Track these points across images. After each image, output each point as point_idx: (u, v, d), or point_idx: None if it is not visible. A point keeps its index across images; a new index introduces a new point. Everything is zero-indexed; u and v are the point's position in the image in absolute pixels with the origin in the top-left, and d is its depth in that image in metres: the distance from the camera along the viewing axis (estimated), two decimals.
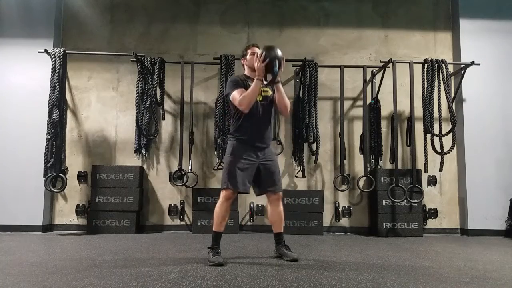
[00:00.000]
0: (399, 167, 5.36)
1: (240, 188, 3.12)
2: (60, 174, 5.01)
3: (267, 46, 3.11)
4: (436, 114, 5.28)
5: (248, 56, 3.29)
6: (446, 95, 5.22)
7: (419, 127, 5.37)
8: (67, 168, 5.40)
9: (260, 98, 3.21)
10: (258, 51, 3.24)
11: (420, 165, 5.32)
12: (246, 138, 3.17)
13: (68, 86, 5.50)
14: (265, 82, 3.18)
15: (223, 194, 3.13)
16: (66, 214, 5.40)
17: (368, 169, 5.42)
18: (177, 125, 5.52)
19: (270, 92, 3.26)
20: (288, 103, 3.26)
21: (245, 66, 3.35)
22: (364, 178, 5.32)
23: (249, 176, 3.15)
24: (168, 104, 5.62)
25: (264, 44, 3.16)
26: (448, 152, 5.22)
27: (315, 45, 5.81)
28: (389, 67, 5.38)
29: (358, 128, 5.64)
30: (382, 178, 5.29)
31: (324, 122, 5.66)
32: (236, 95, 3.11)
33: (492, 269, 2.97)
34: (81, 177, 5.43)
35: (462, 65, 5.45)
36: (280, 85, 3.19)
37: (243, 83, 3.20)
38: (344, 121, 5.44)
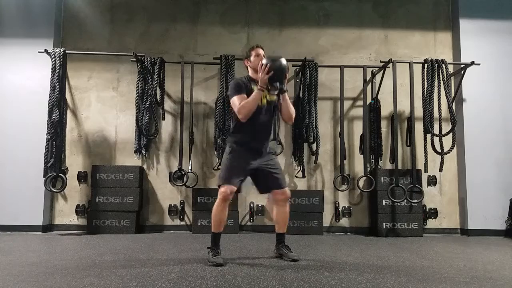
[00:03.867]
0: (399, 167, 5.36)
1: (235, 184, 3.08)
2: (60, 174, 5.00)
3: (272, 58, 3.06)
4: (436, 114, 5.28)
5: (252, 58, 3.25)
6: (446, 95, 5.22)
7: (419, 127, 5.36)
8: (67, 168, 5.40)
9: (265, 102, 3.17)
10: (262, 52, 3.22)
11: (420, 165, 5.32)
12: (246, 140, 3.15)
13: (68, 86, 5.50)
14: (268, 95, 3.14)
15: (220, 193, 3.10)
16: (66, 214, 5.40)
17: (368, 169, 5.41)
18: (177, 125, 5.52)
19: (274, 96, 3.21)
20: (293, 112, 3.23)
21: (248, 68, 3.31)
22: (364, 178, 5.32)
23: (245, 175, 3.15)
24: (168, 104, 5.61)
25: (268, 55, 3.12)
26: (448, 152, 5.22)
27: (315, 45, 5.80)
28: (389, 67, 5.38)
29: (358, 128, 5.64)
30: (382, 178, 5.29)
31: (324, 122, 5.65)
32: (236, 102, 3.08)
33: (492, 269, 2.97)
34: (81, 177, 5.43)
35: (462, 65, 5.45)
36: (286, 95, 3.15)
37: (246, 86, 3.17)
38: (344, 121, 5.44)
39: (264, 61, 3.07)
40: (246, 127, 3.13)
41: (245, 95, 3.11)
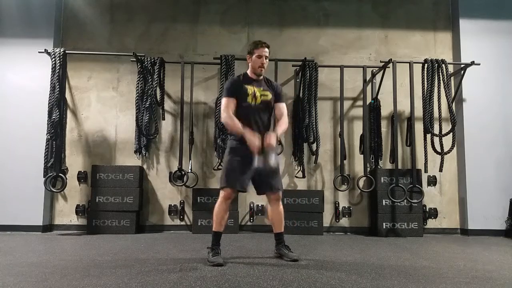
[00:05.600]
0: (399, 167, 5.36)
1: (237, 187, 3.11)
2: (60, 174, 5.01)
3: (266, 151, 2.98)
4: (436, 114, 5.28)
5: (254, 57, 3.21)
6: (446, 95, 5.22)
7: (419, 127, 5.36)
8: (67, 168, 5.40)
9: (259, 101, 3.18)
10: (266, 53, 3.17)
11: (420, 165, 5.32)
12: (243, 141, 3.12)
13: (68, 86, 5.50)
14: (262, 93, 3.18)
15: (221, 194, 3.13)
16: (66, 214, 5.40)
17: (368, 169, 5.41)
18: (177, 125, 5.52)
19: (269, 96, 3.22)
20: (286, 127, 3.23)
21: (249, 64, 3.27)
22: (364, 178, 5.32)
23: (247, 175, 3.13)
24: (168, 104, 5.61)
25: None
26: (448, 152, 5.22)
27: (315, 45, 5.80)
28: (389, 67, 5.38)
29: (358, 128, 5.64)
30: (382, 178, 5.29)
31: (324, 122, 5.65)
32: (223, 104, 3.13)
33: (492, 269, 2.97)
34: (81, 177, 5.43)
35: (462, 65, 5.45)
36: (279, 131, 3.16)
37: (241, 85, 3.16)
38: (344, 121, 5.44)
39: (267, 53, 3.13)
40: (244, 127, 3.11)
41: (234, 100, 3.14)
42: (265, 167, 2.97)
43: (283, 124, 3.22)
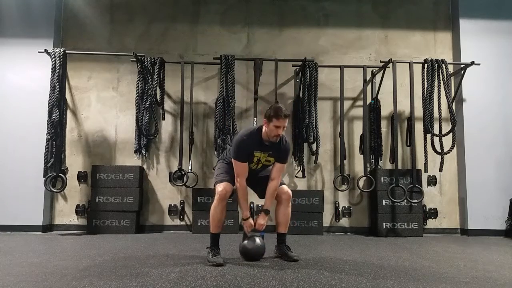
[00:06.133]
0: (399, 167, 5.36)
1: (231, 182, 3.11)
2: (60, 174, 5.00)
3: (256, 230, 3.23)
4: (436, 114, 5.29)
5: (271, 125, 3.00)
6: (446, 95, 5.22)
7: (419, 127, 5.36)
8: (67, 168, 5.40)
9: (260, 167, 3.21)
10: (285, 124, 3.02)
11: (420, 165, 5.32)
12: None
13: (68, 86, 5.50)
14: (264, 159, 3.19)
15: (217, 193, 3.10)
16: (66, 214, 5.40)
17: (368, 169, 5.41)
18: (177, 125, 5.52)
19: (272, 161, 3.18)
20: (274, 195, 3.24)
21: (263, 129, 3.09)
22: (364, 178, 5.32)
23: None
24: (168, 104, 5.61)
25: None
26: (448, 152, 5.22)
27: (315, 45, 5.80)
28: (389, 67, 5.38)
29: (358, 128, 5.64)
30: (382, 178, 5.29)
31: (324, 122, 5.65)
32: (236, 169, 3.10)
33: (492, 269, 2.97)
34: (81, 177, 5.43)
35: (462, 65, 5.45)
36: (269, 205, 3.24)
37: (252, 152, 3.09)
38: (344, 121, 5.44)
39: (285, 123, 3.04)
40: (244, 211, 3.25)
41: (246, 165, 3.10)
42: (252, 243, 3.14)
43: (273, 192, 3.20)
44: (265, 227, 3.24)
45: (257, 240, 3.16)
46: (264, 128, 3.08)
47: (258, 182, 3.27)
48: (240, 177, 3.10)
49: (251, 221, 3.22)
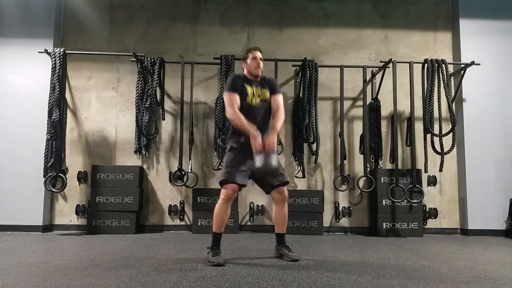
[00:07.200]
0: (399, 167, 5.36)
1: (238, 181, 3.07)
2: (60, 174, 5.01)
3: (266, 151, 2.96)
4: (436, 114, 5.29)
5: (248, 61, 3.27)
6: (446, 95, 5.22)
7: (419, 127, 5.37)
8: (67, 168, 5.40)
9: (258, 101, 3.20)
10: (259, 55, 3.26)
11: (420, 165, 5.32)
12: (243, 141, 3.13)
13: (68, 86, 5.50)
14: (261, 93, 3.22)
15: (222, 193, 3.09)
16: (66, 214, 5.40)
17: (368, 169, 5.42)
18: (177, 125, 5.52)
19: (267, 94, 3.25)
20: (283, 119, 3.22)
21: (244, 70, 3.33)
22: (364, 178, 5.32)
23: (248, 169, 3.11)
24: (168, 104, 5.61)
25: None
26: (448, 152, 5.22)
27: (315, 45, 5.80)
28: (389, 67, 5.38)
29: (358, 128, 5.64)
30: (382, 178, 5.29)
31: (324, 122, 5.65)
32: (226, 99, 3.14)
33: (492, 269, 2.97)
34: (81, 177, 5.43)
35: (462, 65, 5.45)
36: (278, 126, 3.16)
37: (242, 83, 3.21)
38: (344, 121, 5.44)
39: (260, 55, 3.24)
40: (251, 124, 3.09)
41: (237, 95, 3.15)
42: (266, 167, 2.95)
43: (280, 117, 3.21)
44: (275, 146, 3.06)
45: (273, 160, 2.96)
46: (245, 70, 3.30)
47: (264, 177, 3.20)
48: (233, 106, 3.11)
49: (260, 139, 2.97)
